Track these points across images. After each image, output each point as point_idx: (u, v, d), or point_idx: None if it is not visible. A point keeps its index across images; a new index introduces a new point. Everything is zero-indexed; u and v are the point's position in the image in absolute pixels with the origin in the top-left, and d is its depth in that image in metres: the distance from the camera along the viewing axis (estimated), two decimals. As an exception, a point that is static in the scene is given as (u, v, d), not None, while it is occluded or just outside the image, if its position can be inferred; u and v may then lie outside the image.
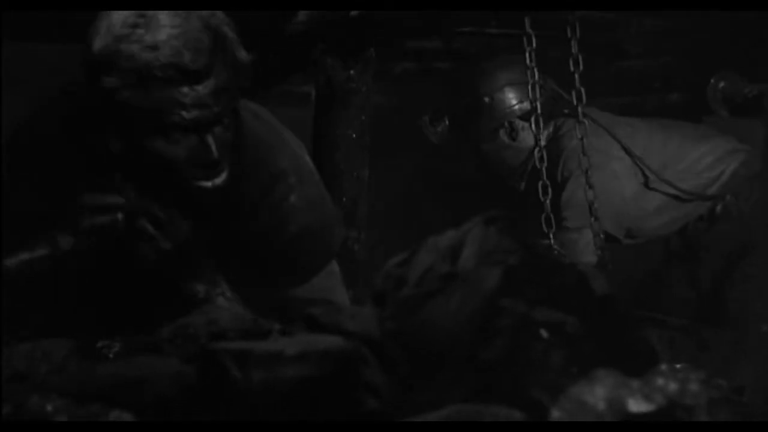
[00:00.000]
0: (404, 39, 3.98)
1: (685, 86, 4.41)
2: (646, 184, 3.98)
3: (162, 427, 1.60)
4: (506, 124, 4.04)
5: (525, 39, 3.38)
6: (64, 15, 2.97)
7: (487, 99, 4.03)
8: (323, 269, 2.52)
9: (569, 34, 3.38)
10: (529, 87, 3.47)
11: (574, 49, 3.38)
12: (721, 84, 4.25)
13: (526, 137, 4.01)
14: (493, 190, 4.31)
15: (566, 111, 3.91)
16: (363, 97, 3.43)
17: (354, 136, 3.43)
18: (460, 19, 3.68)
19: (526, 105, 3.88)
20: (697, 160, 4.04)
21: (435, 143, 4.21)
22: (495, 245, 1.76)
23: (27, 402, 1.63)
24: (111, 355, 1.94)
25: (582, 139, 3.50)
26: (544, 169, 3.52)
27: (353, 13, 3.27)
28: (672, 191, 4.00)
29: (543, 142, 3.67)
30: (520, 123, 4.02)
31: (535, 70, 3.43)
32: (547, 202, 3.46)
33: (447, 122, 4.16)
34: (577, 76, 3.43)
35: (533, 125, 3.53)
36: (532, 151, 3.93)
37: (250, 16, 2.79)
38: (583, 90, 3.44)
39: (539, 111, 3.50)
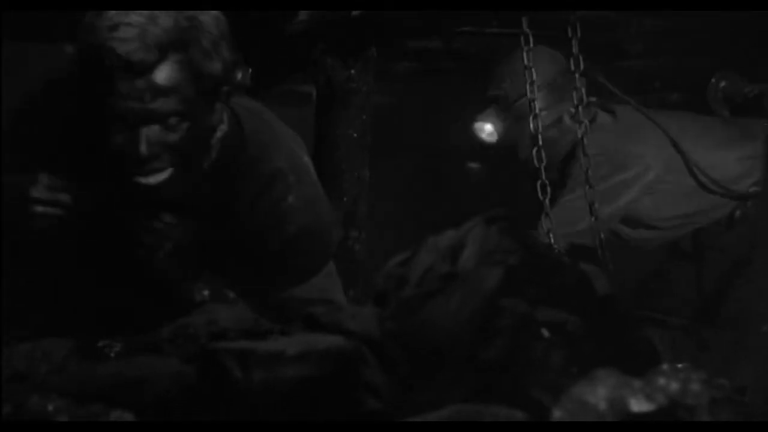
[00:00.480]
0: (405, 39, 3.98)
1: (686, 86, 4.40)
2: (688, 175, 3.97)
3: (163, 428, 1.60)
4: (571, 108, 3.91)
5: (522, 38, 3.37)
6: (64, 15, 2.97)
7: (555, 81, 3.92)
8: (322, 270, 2.52)
9: (570, 34, 3.37)
10: (527, 86, 3.45)
11: (575, 49, 3.37)
12: (722, 84, 4.25)
13: (569, 128, 3.98)
14: (495, 189, 4.30)
15: (594, 99, 3.87)
16: (363, 97, 3.43)
17: (354, 135, 3.43)
18: (461, 19, 3.68)
19: (559, 109, 3.86)
20: (725, 157, 4.04)
21: (488, 143, 4.13)
22: (495, 245, 1.76)
23: (27, 402, 1.63)
24: (112, 355, 1.94)
25: (582, 138, 3.48)
26: (542, 168, 3.47)
27: (354, 13, 3.27)
28: (710, 185, 3.99)
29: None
30: (563, 116, 3.98)
31: (533, 70, 3.42)
32: (546, 201, 3.43)
33: (502, 119, 4.04)
34: (577, 75, 3.42)
35: (531, 123, 3.49)
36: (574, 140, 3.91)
37: (252, 15, 2.79)
38: (583, 90, 3.43)
39: (537, 110, 3.47)
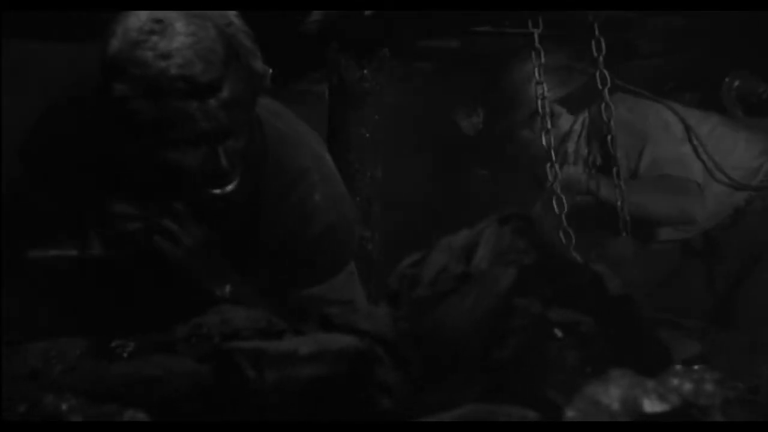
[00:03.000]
0: (418, 38, 3.97)
1: (699, 85, 4.39)
2: (710, 175, 3.98)
3: (176, 428, 1.60)
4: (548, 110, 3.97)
5: (533, 53, 3.36)
6: (64, 14, 2.98)
7: (523, 85, 3.99)
8: (345, 267, 2.52)
9: (592, 35, 3.36)
10: (534, 85, 3.44)
11: (595, 52, 3.36)
12: (736, 83, 4.24)
13: (564, 123, 4.01)
14: (506, 188, 4.30)
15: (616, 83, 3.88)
16: (376, 97, 3.43)
17: (367, 135, 3.43)
18: (474, 19, 3.67)
19: (562, 91, 3.89)
20: (741, 150, 4.04)
21: (470, 135, 4.19)
22: (509, 245, 1.76)
23: (42, 401, 1.63)
24: (125, 355, 1.94)
25: (614, 138, 3.47)
26: (557, 183, 3.44)
27: (367, 12, 3.27)
28: (726, 181, 4.00)
29: (578, 127, 3.65)
30: (558, 108, 4.00)
31: (541, 69, 3.41)
32: (563, 216, 3.39)
33: (481, 113, 4.13)
34: (598, 77, 3.39)
35: (544, 120, 3.48)
36: (566, 136, 3.93)
37: (265, 15, 2.79)
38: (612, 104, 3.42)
39: (546, 109, 3.46)
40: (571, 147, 4.04)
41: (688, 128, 3.98)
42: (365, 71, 3.39)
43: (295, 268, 2.42)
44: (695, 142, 3.98)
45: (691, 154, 3.97)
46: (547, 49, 3.45)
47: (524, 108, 4.00)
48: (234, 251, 2.39)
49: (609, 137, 3.49)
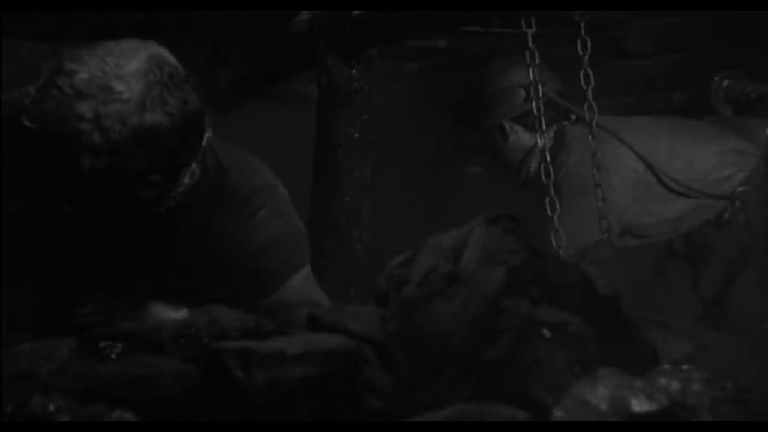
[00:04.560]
0: (406, 38, 3.98)
1: (689, 85, 4.40)
2: (659, 184, 3.96)
3: (164, 428, 1.60)
4: (499, 125, 4.04)
5: (527, 54, 3.35)
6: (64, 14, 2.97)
7: (486, 99, 4.04)
8: (297, 273, 2.55)
9: (579, 34, 3.35)
10: (531, 87, 3.43)
11: (581, 51, 3.35)
12: (725, 83, 4.25)
13: (519, 139, 4.03)
14: (496, 189, 4.31)
15: (573, 117, 3.89)
16: (365, 97, 3.43)
17: (356, 135, 3.43)
18: (463, 19, 3.68)
19: (524, 107, 3.89)
20: (704, 159, 4.03)
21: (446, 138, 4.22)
22: (498, 245, 1.76)
23: (30, 401, 1.63)
24: (113, 356, 1.94)
25: (595, 154, 3.43)
26: (551, 184, 3.40)
27: (355, 12, 3.27)
28: (681, 190, 3.99)
29: (540, 144, 3.57)
30: (511, 125, 4.03)
31: (536, 69, 3.40)
32: (555, 217, 3.36)
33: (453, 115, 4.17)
34: (590, 89, 3.38)
35: (539, 120, 3.46)
36: (530, 152, 3.95)
37: (254, 15, 2.80)
38: (594, 105, 3.38)
39: (542, 110, 3.45)
40: (534, 165, 4.03)
41: (641, 158, 3.95)
42: (353, 71, 3.39)
43: (244, 277, 2.47)
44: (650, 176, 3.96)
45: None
46: (518, 64, 3.48)
47: (489, 119, 4.02)
48: (189, 259, 2.44)
49: (590, 137, 3.45)
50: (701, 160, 4.02)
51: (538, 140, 3.41)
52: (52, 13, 2.97)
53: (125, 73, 2.16)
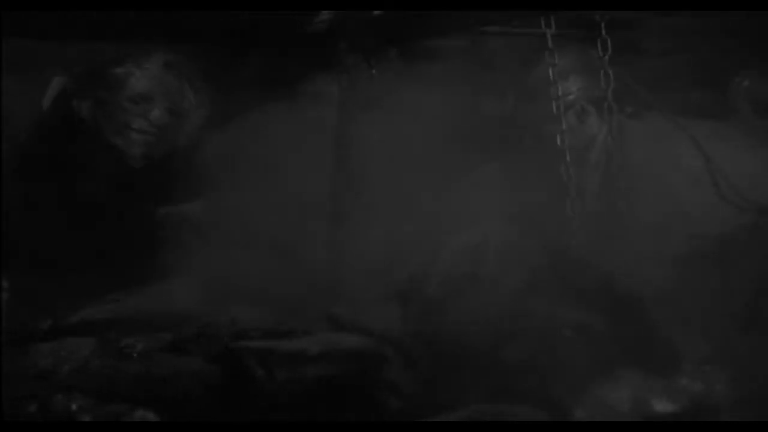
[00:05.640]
0: (426, 38, 3.97)
1: (707, 85, 4.37)
2: (712, 185, 3.93)
3: (186, 428, 1.60)
4: (578, 106, 3.92)
5: (547, 54, 3.33)
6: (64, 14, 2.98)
7: (556, 80, 3.93)
8: None
9: (599, 34, 3.33)
10: (552, 102, 3.41)
11: (601, 51, 3.34)
12: (745, 83, 4.21)
13: (593, 123, 3.97)
14: (515, 188, 4.29)
15: (629, 110, 3.85)
16: (385, 96, 3.43)
17: (376, 135, 3.43)
18: (483, 19, 3.67)
19: (595, 91, 3.85)
20: (751, 165, 4.00)
21: (506, 116, 4.16)
22: (518, 245, 1.76)
23: (52, 400, 1.63)
24: (134, 355, 1.94)
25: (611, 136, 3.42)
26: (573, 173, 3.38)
27: (376, 12, 3.27)
28: (734, 198, 3.95)
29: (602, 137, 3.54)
30: (590, 107, 3.96)
31: (555, 69, 3.38)
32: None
33: (511, 98, 4.09)
34: (609, 87, 3.36)
35: (560, 120, 3.42)
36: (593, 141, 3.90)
37: (274, 16, 2.80)
38: (614, 105, 3.36)
39: (562, 109, 3.43)
40: (593, 156, 3.99)
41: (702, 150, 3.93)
42: (374, 71, 3.39)
43: None
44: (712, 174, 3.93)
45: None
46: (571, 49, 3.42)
47: (558, 101, 3.94)
48: None
49: (609, 138, 3.42)
50: (747, 162, 3.99)
51: (558, 139, 3.39)
52: (52, 13, 2.97)
53: None
